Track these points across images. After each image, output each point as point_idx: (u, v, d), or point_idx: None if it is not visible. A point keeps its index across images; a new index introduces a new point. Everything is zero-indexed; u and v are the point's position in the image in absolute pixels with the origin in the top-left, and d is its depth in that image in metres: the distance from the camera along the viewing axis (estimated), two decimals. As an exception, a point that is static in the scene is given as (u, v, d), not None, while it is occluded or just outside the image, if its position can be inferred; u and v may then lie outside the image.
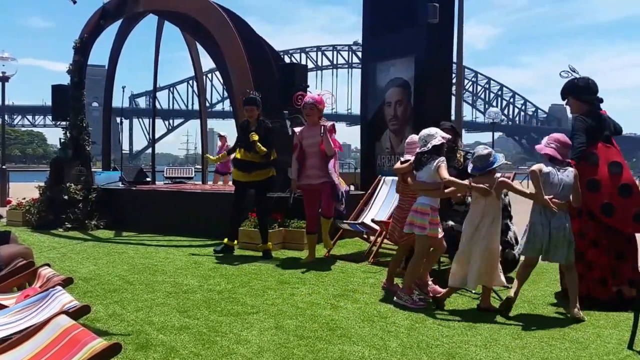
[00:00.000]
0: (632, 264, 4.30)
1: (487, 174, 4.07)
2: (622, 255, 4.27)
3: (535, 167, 4.10)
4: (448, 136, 4.48)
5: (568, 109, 4.76)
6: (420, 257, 4.37)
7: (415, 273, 4.39)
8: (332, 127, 6.00)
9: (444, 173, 4.18)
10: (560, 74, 4.62)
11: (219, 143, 11.93)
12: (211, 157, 7.50)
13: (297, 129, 6.12)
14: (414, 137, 4.74)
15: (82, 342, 1.95)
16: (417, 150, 4.44)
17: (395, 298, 4.32)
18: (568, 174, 4.01)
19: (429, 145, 4.32)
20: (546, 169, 4.04)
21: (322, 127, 5.86)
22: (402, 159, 4.80)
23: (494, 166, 4.06)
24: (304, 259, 6.06)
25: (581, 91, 4.54)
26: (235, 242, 6.55)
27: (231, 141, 9.65)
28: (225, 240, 6.44)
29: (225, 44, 8.11)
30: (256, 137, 6.08)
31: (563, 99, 4.68)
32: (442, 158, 4.31)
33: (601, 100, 4.58)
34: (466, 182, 4.14)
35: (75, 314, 2.34)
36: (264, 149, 6.10)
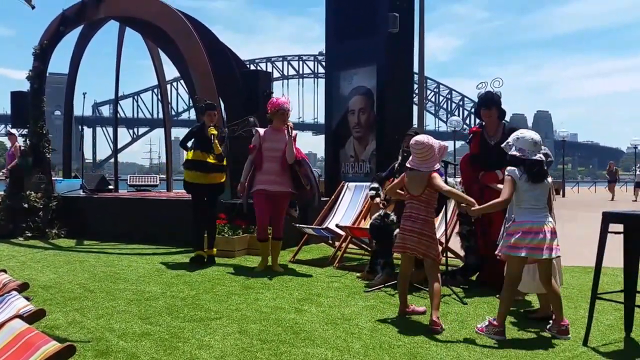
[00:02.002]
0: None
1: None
2: None
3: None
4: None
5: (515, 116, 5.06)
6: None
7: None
8: (295, 136, 5.87)
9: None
10: (477, 86, 4.94)
11: (9, 143, 10.32)
12: None
13: (260, 130, 5.88)
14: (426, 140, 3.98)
15: (36, 346, 1.92)
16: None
17: (485, 331, 3.64)
18: None
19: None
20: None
21: (289, 129, 5.72)
22: (409, 164, 4.03)
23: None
24: (257, 267, 5.87)
25: (501, 104, 4.89)
26: (214, 250, 6.39)
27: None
28: (199, 251, 6.20)
29: (187, 50, 8.08)
30: (215, 132, 6.18)
31: (488, 107, 4.86)
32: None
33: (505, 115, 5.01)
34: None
35: (30, 318, 2.29)
36: (220, 148, 6.21)
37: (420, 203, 3.91)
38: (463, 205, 3.91)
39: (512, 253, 3.53)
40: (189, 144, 6.40)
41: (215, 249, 6.38)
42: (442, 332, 3.66)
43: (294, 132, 5.79)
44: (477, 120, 5.13)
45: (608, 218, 3.47)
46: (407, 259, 4.06)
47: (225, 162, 6.41)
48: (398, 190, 4.63)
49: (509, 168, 3.67)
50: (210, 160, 6.23)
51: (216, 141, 6.16)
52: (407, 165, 4.00)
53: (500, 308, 3.62)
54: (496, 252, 3.70)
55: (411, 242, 3.90)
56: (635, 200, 21.73)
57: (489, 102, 4.87)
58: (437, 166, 3.95)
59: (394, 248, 4.15)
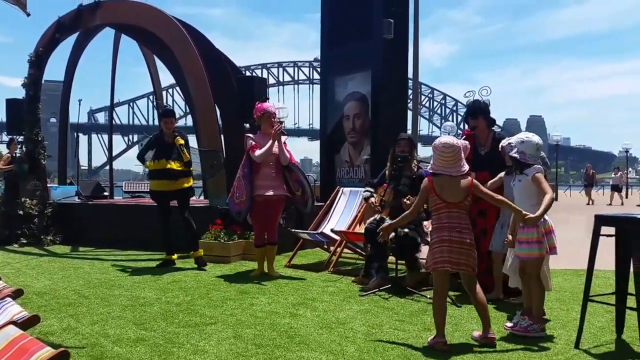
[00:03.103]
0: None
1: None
2: None
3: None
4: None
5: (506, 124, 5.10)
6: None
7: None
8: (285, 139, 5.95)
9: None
10: (464, 95, 4.90)
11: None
12: None
13: (252, 136, 5.92)
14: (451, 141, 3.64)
15: (30, 352, 1.93)
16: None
17: (527, 331, 3.67)
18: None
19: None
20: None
21: (276, 132, 5.68)
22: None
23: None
24: (254, 272, 5.91)
25: (489, 112, 4.90)
26: (200, 251, 6.48)
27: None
28: (165, 255, 6.47)
29: (183, 57, 8.10)
30: (182, 141, 6.24)
31: (474, 117, 4.90)
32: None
33: (495, 123, 5.01)
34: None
35: (24, 324, 2.30)
36: (188, 156, 6.26)
37: (461, 211, 3.50)
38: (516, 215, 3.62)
39: (552, 253, 3.76)
40: (149, 154, 6.46)
41: (201, 250, 6.44)
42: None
43: (284, 137, 5.84)
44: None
45: (600, 221, 3.50)
46: (448, 277, 3.62)
47: (191, 168, 6.45)
48: (405, 200, 4.61)
49: (536, 167, 3.77)
50: (175, 166, 6.25)
51: (184, 150, 6.23)
52: (432, 170, 3.59)
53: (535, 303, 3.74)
54: (548, 252, 3.71)
55: (466, 257, 3.45)
56: (610, 204, 21.26)
57: (475, 111, 4.89)
58: (466, 167, 3.58)
59: (441, 265, 3.46)
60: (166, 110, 6.60)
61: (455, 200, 3.50)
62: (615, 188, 22.88)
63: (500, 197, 3.72)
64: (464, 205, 3.52)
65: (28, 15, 9.58)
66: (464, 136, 5.07)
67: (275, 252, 6.01)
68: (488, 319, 3.55)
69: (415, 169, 5.35)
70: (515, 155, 3.77)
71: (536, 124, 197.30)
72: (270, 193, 5.78)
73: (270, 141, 5.69)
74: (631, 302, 3.42)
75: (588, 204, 22.31)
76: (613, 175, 23.76)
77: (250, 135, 5.97)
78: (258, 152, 5.71)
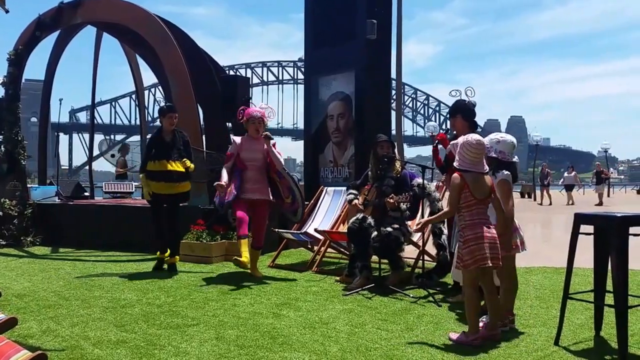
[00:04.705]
0: None
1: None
2: None
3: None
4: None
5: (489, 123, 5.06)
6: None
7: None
8: (275, 144, 5.89)
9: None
10: (450, 93, 4.85)
11: None
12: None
13: (237, 139, 5.88)
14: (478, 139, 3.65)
15: (6, 355, 1.91)
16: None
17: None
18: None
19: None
20: None
21: (265, 137, 5.73)
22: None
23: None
24: (241, 260, 5.39)
25: (471, 113, 4.77)
26: (177, 257, 6.25)
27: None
28: (158, 253, 6.17)
29: (165, 56, 8.04)
30: (191, 165, 6.03)
31: (452, 115, 4.89)
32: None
33: (477, 125, 4.90)
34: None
35: (1, 327, 2.27)
36: (192, 165, 6.05)
37: (486, 207, 3.59)
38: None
39: (517, 252, 3.86)
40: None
41: (177, 257, 6.21)
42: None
43: (272, 141, 5.81)
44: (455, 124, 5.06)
45: (579, 219, 3.54)
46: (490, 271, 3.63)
47: (191, 169, 6.13)
48: (388, 199, 4.62)
49: (504, 172, 3.77)
50: (176, 167, 5.95)
51: (187, 161, 5.98)
52: (460, 167, 3.56)
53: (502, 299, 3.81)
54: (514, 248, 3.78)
55: (498, 252, 3.54)
56: (569, 204, 20.43)
57: (454, 110, 4.85)
58: (487, 166, 3.64)
59: (482, 262, 3.48)
60: (169, 106, 6.31)
61: (484, 197, 3.57)
62: (569, 188, 22.12)
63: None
64: (488, 201, 3.61)
65: (7, 12, 9.45)
66: (437, 140, 5.03)
67: (258, 255, 5.94)
68: (500, 316, 3.66)
69: (400, 169, 5.38)
70: (495, 155, 3.81)
71: (517, 124, 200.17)
72: (254, 196, 5.72)
73: (225, 177, 5.66)
74: (609, 299, 3.47)
75: (540, 203, 21.51)
76: (566, 175, 22.87)
77: (236, 138, 5.88)
78: (222, 173, 5.72)
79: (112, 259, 6.95)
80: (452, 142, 3.92)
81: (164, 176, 5.95)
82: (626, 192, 40.80)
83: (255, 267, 5.85)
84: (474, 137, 3.62)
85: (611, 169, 26.11)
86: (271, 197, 5.84)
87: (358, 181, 5.73)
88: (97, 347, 3.42)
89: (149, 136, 8.05)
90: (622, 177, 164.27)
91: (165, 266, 6.15)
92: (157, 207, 6.19)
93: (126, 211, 8.20)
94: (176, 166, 5.96)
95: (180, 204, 6.30)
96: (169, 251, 6.16)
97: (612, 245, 3.32)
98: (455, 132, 4.83)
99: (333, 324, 3.96)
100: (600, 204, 20.79)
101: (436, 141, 5.06)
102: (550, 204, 21.22)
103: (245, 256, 5.42)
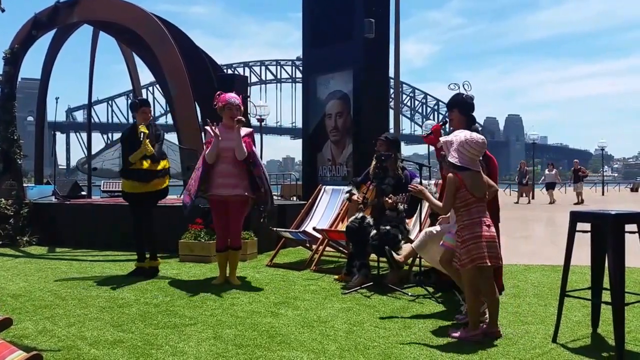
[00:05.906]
0: None
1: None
2: None
3: None
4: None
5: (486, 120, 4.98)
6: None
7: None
8: (252, 133, 5.46)
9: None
10: (449, 86, 4.70)
11: None
12: None
13: (210, 129, 5.26)
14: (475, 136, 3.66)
15: (1, 356, 1.89)
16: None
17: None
18: None
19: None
20: None
21: (238, 121, 5.17)
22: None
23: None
24: (215, 280, 5.39)
25: (469, 107, 4.59)
26: (158, 261, 5.89)
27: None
28: (140, 264, 5.76)
29: (163, 55, 8.02)
30: (145, 130, 5.49)
31: (450, 109, 4.79)
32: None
33: (475, 121, 4.75)
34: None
35: (-3, 327, 2.25)
36: (151, 149, 5.54)
37: (485, 205, 3.60)
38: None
39: None
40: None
41: (158, 260, 5.86)
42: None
43: (247, 129, 5.36)
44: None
45: (575, 217, 3.54)
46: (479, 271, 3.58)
47: (164, 165, 5.75)
48: (386, 199, 4.60)
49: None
50: (146, 166, 5.56)
51: (146, 140, 5.47)
52: (459, 164, 3.53)
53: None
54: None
55: (497, 251, 3.56)
56: (552, 203, 19.74)
57: (451, 104, 4.71)
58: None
59: (481, 261, 3.47)
60: (142, 100, 5.96)
61: (482, 195, 3.57)
62: (550, 186, 21.22)
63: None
64: (485, 199, 3.61)
65: (3, 11, 9.42)
66: (431, 131, 4.92)
67: (238, 257, 5.51)
68: (496, 314, 3.65)
69: (401, 170, 5.35)
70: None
71: (514, 123, 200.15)
72: (227, 192, 5.21)
73: (214, 139, 5.15)
74: (606, 296, 3.47)
75: (517, 202, 20.59)
76: (547, 172, 22.05)
77: (209, 128, 5.27)
78: (207, 152, 5.22)
79: (109, 259, 6.93)
80: (442, 139, 3.88)
81: (139, 175, 5.61)
82: (620, 190, 40.86)
83: (234, 272, 5.42)
84: (479, 136, 3.61)
85: (606, 166, 25.83)
86: (246, 193, 5.29)
87: (359, 178, 5.71)
88: (93, 347, 3.40)
89: None
90: (616, 175, 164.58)
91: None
92: (136, 209, 5.78)
93: (123, 210, 8.13)
94: (146, 164, 5.58)
95: (155, 205, 5.94)
96: (147, 262, 5.78)
97: (608, 243, 3.32)
98: (452, 127, 4.78)
99: (331, 323, 3.95)
100: (580, 202, 19.80)
101: (431, 132, 4.86)
102: (529, 202, 20.66)
103: (221, 277, 5.37)
